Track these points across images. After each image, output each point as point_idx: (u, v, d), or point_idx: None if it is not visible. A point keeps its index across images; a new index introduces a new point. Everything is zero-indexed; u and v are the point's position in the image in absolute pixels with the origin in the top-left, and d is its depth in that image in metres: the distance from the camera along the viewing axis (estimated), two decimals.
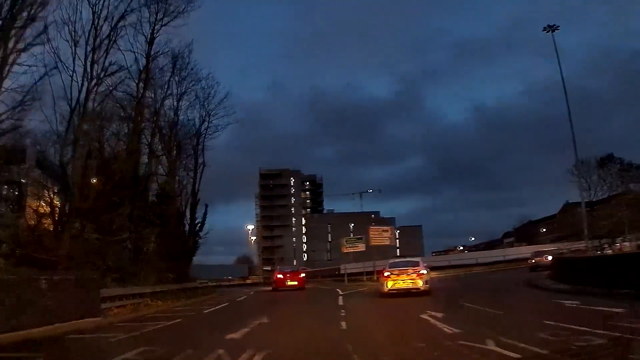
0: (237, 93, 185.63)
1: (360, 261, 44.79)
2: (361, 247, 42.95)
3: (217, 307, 20.51)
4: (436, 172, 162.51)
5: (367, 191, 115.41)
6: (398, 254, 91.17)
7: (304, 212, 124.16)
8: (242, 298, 28.22)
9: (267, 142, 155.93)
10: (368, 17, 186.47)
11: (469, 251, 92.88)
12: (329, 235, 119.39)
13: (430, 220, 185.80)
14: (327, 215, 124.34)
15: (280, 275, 31.50)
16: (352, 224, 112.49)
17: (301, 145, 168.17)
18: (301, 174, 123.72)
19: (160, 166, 33.46)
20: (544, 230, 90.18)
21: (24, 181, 22.82)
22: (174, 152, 34.89)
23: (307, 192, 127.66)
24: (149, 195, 30.09)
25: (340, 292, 25.29)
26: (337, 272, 65.16)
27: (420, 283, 18.45)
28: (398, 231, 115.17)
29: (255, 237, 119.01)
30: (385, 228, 43.90)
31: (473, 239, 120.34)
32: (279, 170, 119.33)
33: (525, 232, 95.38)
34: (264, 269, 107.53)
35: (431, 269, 23.64)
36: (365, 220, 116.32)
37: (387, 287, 18.85)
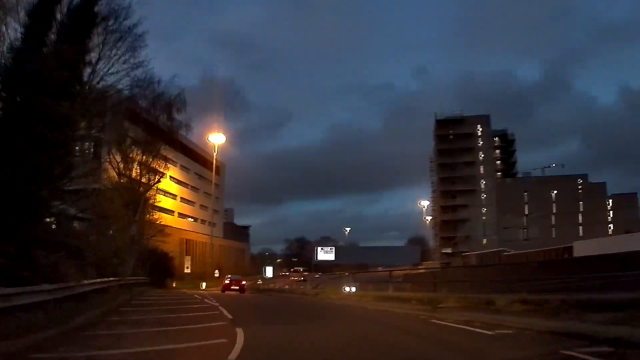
0: (389, 81, 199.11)
1: None
2: None
3: None
4: (594, 154, 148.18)
5: (550, 166, 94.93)
6: None
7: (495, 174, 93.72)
8: None
9: (420, 128, 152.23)
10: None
11: None
12: (526, 206, 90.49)
13: None
14: (522, 181, 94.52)
15: (227, 281, 41.84)
16: (554, 192, 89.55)
17: None
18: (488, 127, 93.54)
19: None
20: None
21: None
22: None
23: (497, 151, 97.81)
24: None
25: None
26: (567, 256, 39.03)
27: None
28: (611, 200, 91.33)
29: (429, 217, 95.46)
30: None
31: None
32: (461, 116, 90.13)
33: None
34: (443, 251, 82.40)
35: None
36: (570, 186, 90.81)
37: None
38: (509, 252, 58.55)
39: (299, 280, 62.65)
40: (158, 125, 38.46)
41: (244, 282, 42.17)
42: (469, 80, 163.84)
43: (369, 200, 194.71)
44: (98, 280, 18.11)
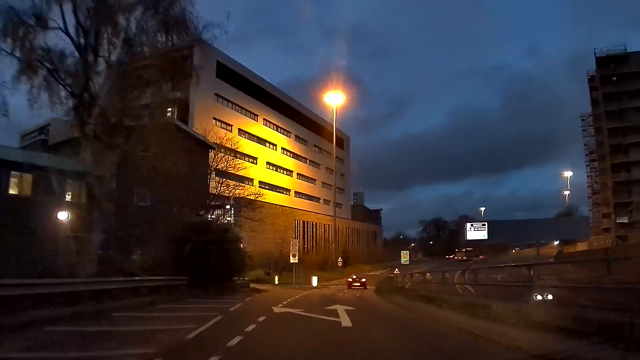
0: (504, 61, 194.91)
1: None
2: None
3: None
4: None
5: None
6: None
7: None
8: None
9: (535, 109, 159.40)
10: None
11: None
12: None
13: None
14: None
15: (350, 279, 45.57)
16: None
17: (571, 109, 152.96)
18: None
19: None
20: None
21: None
22: None
23: None
24: None
25: None
26: None
27: None
28: None
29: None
30: None
31: None
32: (625, 52, 70.60)
33: None
34: (619, 221, 66.58)
35: None
36: None
37: None
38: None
39: (462, 259, 50.42)
40: None
41: (364, 280, 45.89)
42: (581, 56, 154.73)
43: (496, 181, 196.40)
44: None
